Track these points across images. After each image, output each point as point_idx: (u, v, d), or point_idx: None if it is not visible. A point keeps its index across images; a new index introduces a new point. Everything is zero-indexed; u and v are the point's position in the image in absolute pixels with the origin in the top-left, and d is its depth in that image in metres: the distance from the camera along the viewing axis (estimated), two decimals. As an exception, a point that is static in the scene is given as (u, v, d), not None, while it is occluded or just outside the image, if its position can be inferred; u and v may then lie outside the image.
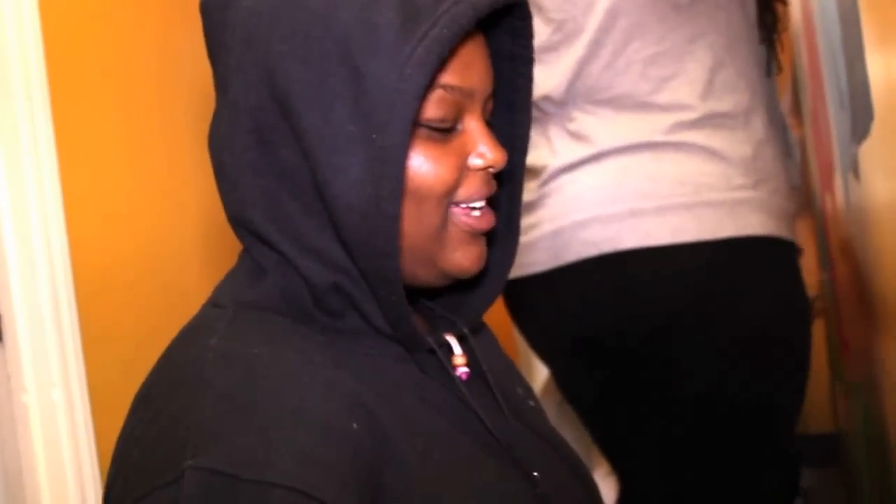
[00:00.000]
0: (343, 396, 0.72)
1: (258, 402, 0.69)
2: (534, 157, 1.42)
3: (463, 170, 0.79)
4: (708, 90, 1.34)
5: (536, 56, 1.38)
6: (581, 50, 1.35)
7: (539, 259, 1.40)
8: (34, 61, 1.47)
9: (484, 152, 0.79)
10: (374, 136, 0.72)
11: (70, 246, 1.49)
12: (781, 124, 1.45)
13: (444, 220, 0.78)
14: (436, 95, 0.76)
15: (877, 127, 1.17)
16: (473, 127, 0.79)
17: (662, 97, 1.34)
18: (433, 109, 0.76)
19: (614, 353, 1.38)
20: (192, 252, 1.79)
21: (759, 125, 1.37)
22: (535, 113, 1.42)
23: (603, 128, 1.36)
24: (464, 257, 0.80)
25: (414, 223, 0.77)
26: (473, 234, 0.80)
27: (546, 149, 1.41)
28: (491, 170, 0.81)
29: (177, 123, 1.77)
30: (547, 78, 1.39)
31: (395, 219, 0.73)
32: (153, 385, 0.76)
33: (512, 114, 0.86)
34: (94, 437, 1.47)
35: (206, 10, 0.80)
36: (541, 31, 1.39)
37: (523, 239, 1.42)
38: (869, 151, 1.26)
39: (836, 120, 1.64)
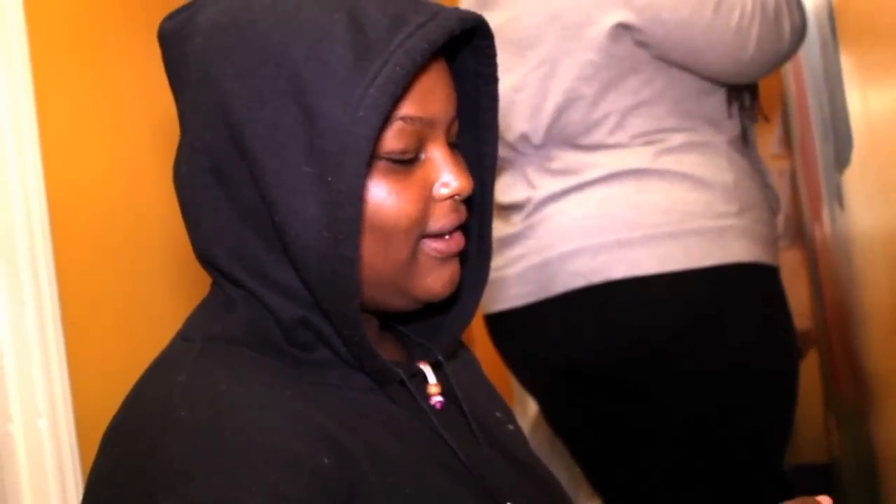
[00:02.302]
0: (313, 430, 0.71)
1: (227, 440, 0.68)
2: (513, 195, 1.43)
3: (429, 200, 0.77)
4: (686, 117, 1.35)
5: (514, 91, 1.40)
6: (559, 96, 1.36)
7: (526, 291, 1.40)
8: (21, 91, 1.47)
9: (448, 181, 0.77)
10: (329, 178, 0.70)
11: (57, 275, 1.49)
12: (756, 156, 1.46)
13: (414, 252, 0.77)
14: (395, 128, 0.74)
15: (856, 155, 1.18)
16: (437, 155, 0.77)
17: (640, 140, 1.35)
18: (393, 142, 0.74)
19: (602, 383, 1.38)
20: (181, 282, 1.79)
21: (738, 154, 1.38)
22: (510, 154, 1.43)
23: (584, 162, 1.37)
24: (434, 282, 0.78)
25: (380, 257, 0.75)
26: (444, 259, 0.79)
27: (524, 185, 1.42)
28: (457, 197, 0.78)
29: (171, 145, 1.78)
30: (525, 117, 1.39)
31: (352, 262, 0.71)
32: (121, 423, 0.75)
33: (479, 132, 0.83)
34: (80, 466, 1.46)
35: (164, 42, 0.79)
36: (515, 67, 1.39)
37: (509, 271, 1.42)
38: (851, 181, 1.27)
39: (821, 151, 1.65)
